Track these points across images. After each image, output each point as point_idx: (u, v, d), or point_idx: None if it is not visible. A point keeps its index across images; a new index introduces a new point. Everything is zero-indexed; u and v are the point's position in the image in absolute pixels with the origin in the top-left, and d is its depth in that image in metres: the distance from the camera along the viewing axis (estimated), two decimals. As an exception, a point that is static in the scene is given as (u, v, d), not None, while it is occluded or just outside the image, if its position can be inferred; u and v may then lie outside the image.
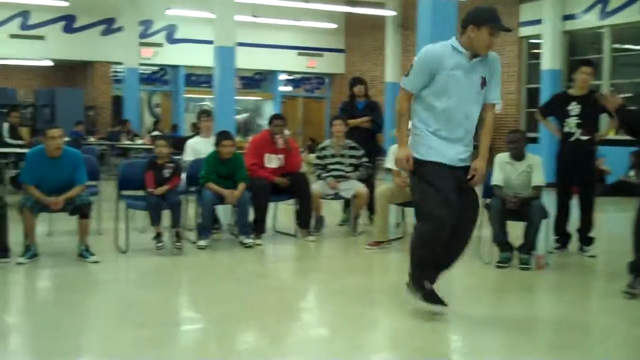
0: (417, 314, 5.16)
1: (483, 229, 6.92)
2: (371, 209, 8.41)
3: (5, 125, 12.16)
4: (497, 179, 6.73)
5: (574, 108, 7.12)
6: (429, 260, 4.81)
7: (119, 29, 19.87)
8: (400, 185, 7.29)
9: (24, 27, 19.40)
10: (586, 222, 7.32)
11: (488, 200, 6.87)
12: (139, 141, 16.46)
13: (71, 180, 6.62)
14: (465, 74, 4.63)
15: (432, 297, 4.80)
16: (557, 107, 7.37)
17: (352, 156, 8.32)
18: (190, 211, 8.04)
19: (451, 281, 6.60)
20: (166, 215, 7.11)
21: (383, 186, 7.61)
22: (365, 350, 4.37)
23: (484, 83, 4.71)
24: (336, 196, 8.26)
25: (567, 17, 15.72)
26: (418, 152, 4.72)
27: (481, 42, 4.63)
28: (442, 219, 4.62)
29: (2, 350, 4.28)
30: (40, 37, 19.50)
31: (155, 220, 7.05)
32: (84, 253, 6.56)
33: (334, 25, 21.63)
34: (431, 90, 4.64)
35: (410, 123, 4.86)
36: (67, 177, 6.61)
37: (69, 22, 19.79)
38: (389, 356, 4.41)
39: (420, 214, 4.81)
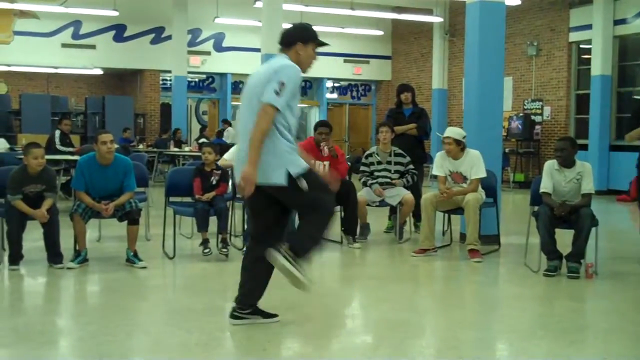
0: (464, 323, 5.13)
1: (531, 237, 6.86)
2: (417, 216, 8.37)
3: (57, 133, 12.42)
4: (545, 186, 6.64)
5: None
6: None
7: (168, 38, 20.14)
8: (443, 196, 7.27)
9: (76, 36, 19.80)
10: None
11: (536, 208, 6.79)
12: (186, 148, 16.64)
13: (121, 187, 6.73)
14: None
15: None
16: None
17: (398, 163, 8.30)
18: (237, 217, 8.11)
19: (498, 289, 6.55)
20: (213, 222, 7.17)
21: (429, 193, 7.57)
22: (410, 357, 4.35)
23: None
24: (382, 203, 8.25)
25: (618, 22, 15.47)
26: (299, 164, 4.47)
27: (310, 58, 4.70)
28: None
29: (53, 353, 4.37)
30: (91, 46, 19.87)
31: (202, 226, 7.12)
32: (133, 258, 6.65)
33: (380, 32, 21.62)
34: (289, 108, 4.46)
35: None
36: (117, 184, 6.73)
37: (119, 32, 20.13)
38: (435, 364, 4.39)
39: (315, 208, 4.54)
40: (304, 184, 4.42)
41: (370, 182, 8.23)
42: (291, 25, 4.81)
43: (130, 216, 6.68)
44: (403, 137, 8.75)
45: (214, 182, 7.29)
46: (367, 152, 8.58)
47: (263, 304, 4.79)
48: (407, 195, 8.11)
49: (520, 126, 16.88)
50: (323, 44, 4.78)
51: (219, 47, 21.23)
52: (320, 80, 22.99)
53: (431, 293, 6.33)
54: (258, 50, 13.22)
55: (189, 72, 20.19)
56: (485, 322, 5.25)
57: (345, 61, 22.61)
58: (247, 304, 4.74)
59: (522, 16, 17.33)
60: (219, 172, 7.40)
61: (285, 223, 4.81)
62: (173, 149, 16.63)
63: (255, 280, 4.76)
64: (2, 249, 6.82)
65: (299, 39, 4.64)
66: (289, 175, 4.40)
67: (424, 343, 4.72)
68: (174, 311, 5.30)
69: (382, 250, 8.08)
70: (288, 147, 4.45)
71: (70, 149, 12.23)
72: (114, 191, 6.71)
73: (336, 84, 23.87)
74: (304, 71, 4.63)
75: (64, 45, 19.66)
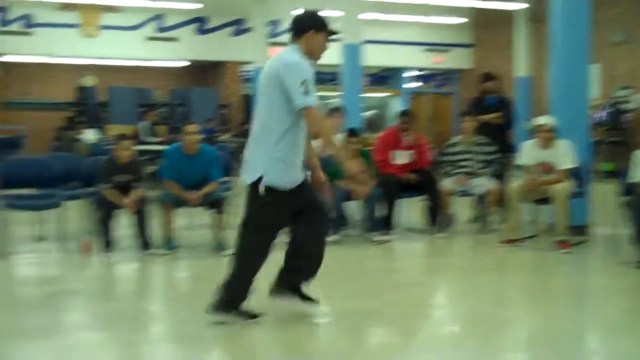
0: (552, 315, 5.03)
1: (621, 228, 6.67)
2: (503, 206, 8.25)
3: (143, 124, 12.74)
4: (636, 176, 6.44)
5: None
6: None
7: (248, 30, 20.34)
8: (530, 186, 7.15)
9: (159, 29, 20.19)
10: None
11: (627, 198, 6.60)
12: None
13: (206, 176, 6.85)
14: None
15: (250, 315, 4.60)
16: None
17: (482, 152, 8.18)
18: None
19: (587, 281, 6.40)
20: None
21: (516, 183, 7.44)
22: (498, 350, 4.30)
23: None
24: (467, 193, 8.15)
25: None
26: (277, 179, 4.29)
27: (321, 47, 4.51)
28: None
29: (146, 337, 4.49)
30: (175, 39, 20.24)
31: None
32: (219, 246, 6.77)
33: (462, 20, 21.31)
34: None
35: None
36: (203, 173, 6.86)
37: (201, 24, 20.44)
38: (523, 357, 4.31)
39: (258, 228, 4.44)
40: (262, 189, 4.26)
41: (453, 171, 8.14)
42: (302, 13, 4.62)
43: (216, 205, 6.80)
44: (487, 126, 8.62)
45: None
46: (451, 142, 8.49)
47: (346, 291, 4.78)
48: (492, 184, 8.00)
49: (608, 115, 16.40)
50: (334, 33, 4.61)
51: (299, 38, 21.33)
52: (400, 70, 22.86)
53: (518, 284, 6.22)
54: (338, 40, 13.23)
55: (270, 63, 20.35)
56: (574, 315, 5.14)
57: (426, 50, 22.40)
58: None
59: (609, 1, 16.80)
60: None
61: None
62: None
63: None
64: (94, 237, 7.04)
65: (312, 27, 4.47)
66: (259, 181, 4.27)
67: (512, 335, 4.66)
68: (260, 298, 5.36)
69: (467, 240, 8.00)
70: (284, 157, 4.27)
71: (157, 139, 12.52)
72: (200, 180, 6.84)
73: (417, 73, 23.69)
74: (315, 60, 4.49)
75: (149, 39, 20.08)
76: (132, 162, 6.87)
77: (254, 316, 4.54)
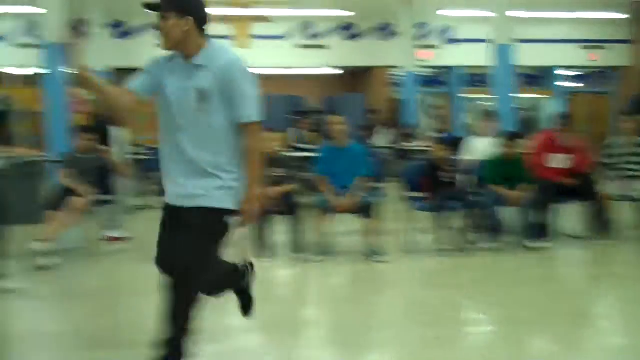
0: None
1: None
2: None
3: (294, 131, 12.99)
4: None
5: None
6: None
7: (395, 34, 20.34)
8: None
9: (309, 37, 20.58)
10: None
11: None
12: (417, 144, 16.69)
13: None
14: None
15: None
16: None
17: (645, 154, 7.80)
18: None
19: None
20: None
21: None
22: (668, 363, 4.06)
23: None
24: (629, 197, 7.78)
25: None
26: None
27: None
28: None
29: (302, 341, 4.57)
30: (324, 46, 20.55)
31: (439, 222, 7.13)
32: (371, 252, 6.80)
33: (620, 15, 20.36)
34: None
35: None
36: (353, 169, 6.98)
37: (350, 30, 20.65)
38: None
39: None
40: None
41: (615, 175, 7.80)
42: None
43: (365, 210, 6.84)
44: (649, 126, 8.22)
45: (447, 180, 7.25)
46: (609, 143, 8.13)
47: (501, 298, 4.63)
48: (656, 188, 7.61)
49: None
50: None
51: (447, 40, 21.11)
52: (554, 69, 22.12)
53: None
54: (485, 41, 12.99)
55: (417, 67, 20.25)
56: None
57: (580, 47, 21.56)
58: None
59: None
60: (452, 168, 7.35)
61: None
62: (404, 145, 16.75)
63: None
64: (252, 242, 7.23)
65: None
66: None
67: (683, 348, 4.39)
68: (412, 304, 5.35)
69: (631, 247, 7.58)
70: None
71: (308, 147, 12.73)
72: (351, 179, 6.91)
73: (570, 72, 22.84)
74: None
75: (299, 46, 20.50)
76: (282, 158, 7.06)
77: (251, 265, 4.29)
